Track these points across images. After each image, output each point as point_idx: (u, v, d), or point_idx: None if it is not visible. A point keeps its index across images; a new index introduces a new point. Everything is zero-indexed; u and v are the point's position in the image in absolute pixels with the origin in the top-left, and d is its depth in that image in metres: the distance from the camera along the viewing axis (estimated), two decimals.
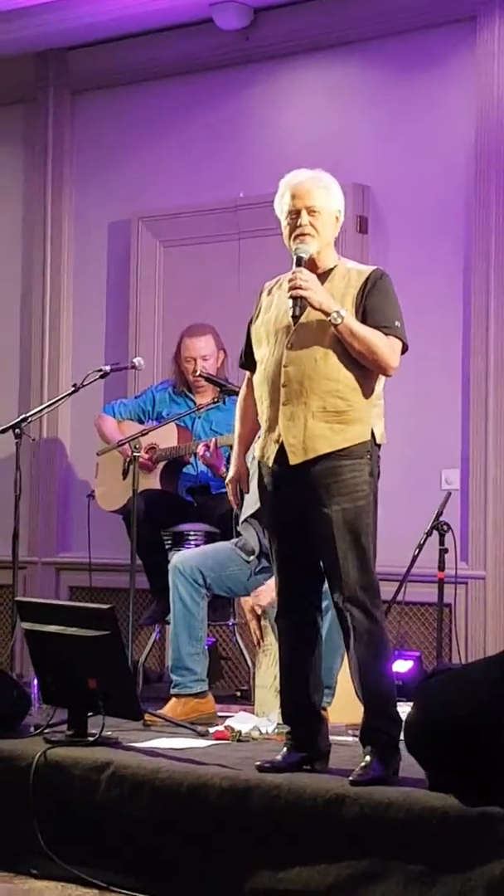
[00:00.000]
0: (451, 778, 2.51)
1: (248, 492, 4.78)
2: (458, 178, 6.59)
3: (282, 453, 4.28)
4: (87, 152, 7.78)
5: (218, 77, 7.34)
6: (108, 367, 6.11)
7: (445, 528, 5.88)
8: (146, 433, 5.79)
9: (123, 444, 5.77)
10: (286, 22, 7.06)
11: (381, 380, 4.35)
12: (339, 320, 4.20)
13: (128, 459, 5.73)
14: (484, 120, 6.49)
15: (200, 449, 6.06)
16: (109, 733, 4.67)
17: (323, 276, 4.32)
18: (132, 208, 7.48)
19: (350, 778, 4.03)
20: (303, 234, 4.30)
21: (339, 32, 6.93)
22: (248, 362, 4.52)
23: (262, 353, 4.40)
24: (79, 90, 7.82)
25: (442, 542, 5.88)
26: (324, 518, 4.22)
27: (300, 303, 4.22)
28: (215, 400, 6.10)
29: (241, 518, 5.59)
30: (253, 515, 5.53)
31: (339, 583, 4.22)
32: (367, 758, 4.12)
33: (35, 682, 5.06)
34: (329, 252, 4.39)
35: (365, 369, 4.28)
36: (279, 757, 4.30)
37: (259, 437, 4.46)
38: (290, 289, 4.23)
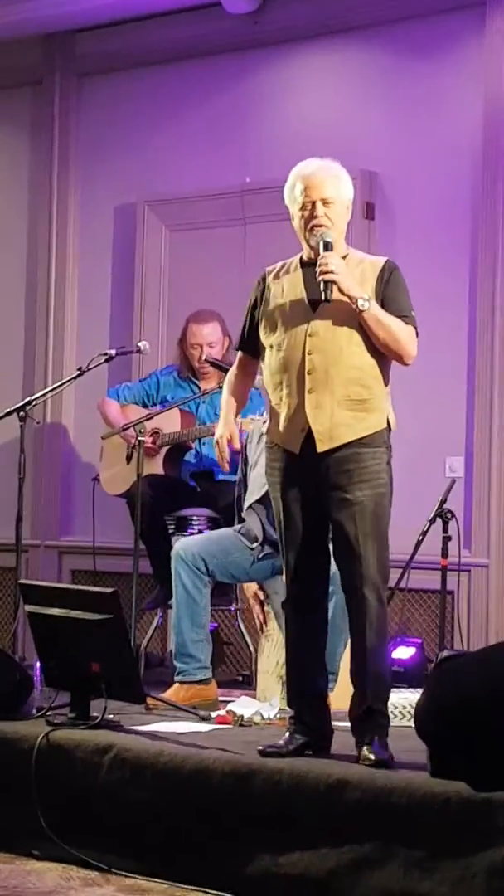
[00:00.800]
0: (460, 763, 2.52)
1: (235, 450, 4.80)
2: (466, 164, 6.58)
3: (307, 441, 4.31)
4: (93, 136, 7.77)
5: (225, 61, 7.33)
6: (113, 351, 6.11)
7: (449, 515, 5.87)
8: (150, 418, 5.79)
9: (128, 428, 5.77)
10: (295, 6, 7.04)
11: (393, 367, 4.42)
12: (365, 306, 4.25)
13: (132, 444, 5.73)
14: (492, 106, 6.47)
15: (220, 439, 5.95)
16: (111, 716, 4.68)
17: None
18: (138, 192, 7.47)
19: (364, 760, 4.10)
20: (319, 226, 4.33)
21: (348, 17, 6.91)
22: (248, 346, 4.56)
23: (276, 339, 4.40)
24: (85, 74, 7.80)
25: (445, 530, 5.87)
26: (345, 504, 4.27)
27: (331, 286, 4.25)
28: (220, 385, 6.08)
29: (245, 505, 5.59)
30: (258, 502, 5.53)
31: (356, 567, 4.26)
32: (372, 741, 4.18)
33: (38, 664, 5.06)
34: (341, 241, 4.43)
35: (384, 357, 4.34)
36: (281, 741, 4.32)
37: (265, 422, 4.48)
38: (321, 273, 4.25)
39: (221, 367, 5.97)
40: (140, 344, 6.34)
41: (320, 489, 4.31)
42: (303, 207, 4.36)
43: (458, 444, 6.49)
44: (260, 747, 4.28)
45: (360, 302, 4.24)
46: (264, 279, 4.53)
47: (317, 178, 4.36)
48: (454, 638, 6.30)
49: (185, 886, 4.03)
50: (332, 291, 4.25)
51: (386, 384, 4.37)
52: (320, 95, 7.06)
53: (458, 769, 2.73)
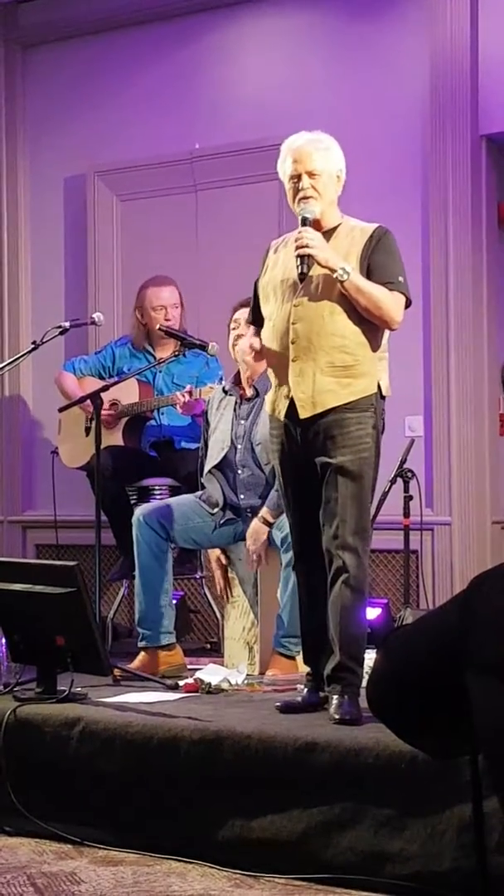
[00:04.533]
0: (412, 734, 2.55)
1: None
2: (414, 122, 6.57)
3: (292, 408, 4.42)
4: (39, 108, 7.72)
5: (170, 27, 7.28)
6: (67, 324, 6.08)
7: (410, 475, 5.90)
8: (107, 389, 5.77)
9: (84, 400, 5.76)
10: None
11: (387, 333, 4.48)
12: (344, 276, 4.32)
13: (90, 416, 5.71)
14: (438, 64, 6.47)
15: (181, 398, 6.02)
16: (79, 689, 4.67)
17: (327, 235, 4.43)
18: (87, 163, 7.43)
19: (331, 717, 4.19)
20: (306, 198, 4.42)
21: None
22: (256, 319, 4.66)
23: (269, 309, 4.51)
24: (29, 44, 7.75)
25: (406, 490, 5.90)
26: (329, 468, 4.37)
27: (307, 261, 4.34)
28: (175, 353, 6.08)
29: (206, 469, 5.59)
30: (216, 467, 5.53)
31: (336, 530, 4.34)
32: (340, 697, 4.26)
33: (3, 640, 5.05)
34: (332, 211, 4.50)
35: (370, 324, 4.40)
36: (299, 698, 4.45)
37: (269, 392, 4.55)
38: (297, 248, 4.35)
39: (175, 335, 5.95)
40: (94, 315, 6.31)
41: (308, 454, 4.41)
42: (290, 179, 4.46)
43: (416, 403, 6.51)
44: (277, 703, 4.41)
45: (339, 272, 4.31)
46: (268, 252, 4.62)
47: (304, 151, 4.44)
48: (420, 597, 6.33)
49: (158, 856, 4.04)
50: (308, 266, 4.34)
51: (375, 350, 4.41)
52: (266, 59, 7.03)
53: (411, 740, 2.77)
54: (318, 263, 4.33)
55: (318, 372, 4.36)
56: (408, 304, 4.45)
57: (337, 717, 4.19)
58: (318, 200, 4.42)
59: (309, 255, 4.32)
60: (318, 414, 4.37)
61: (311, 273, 4.36)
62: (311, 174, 4.42)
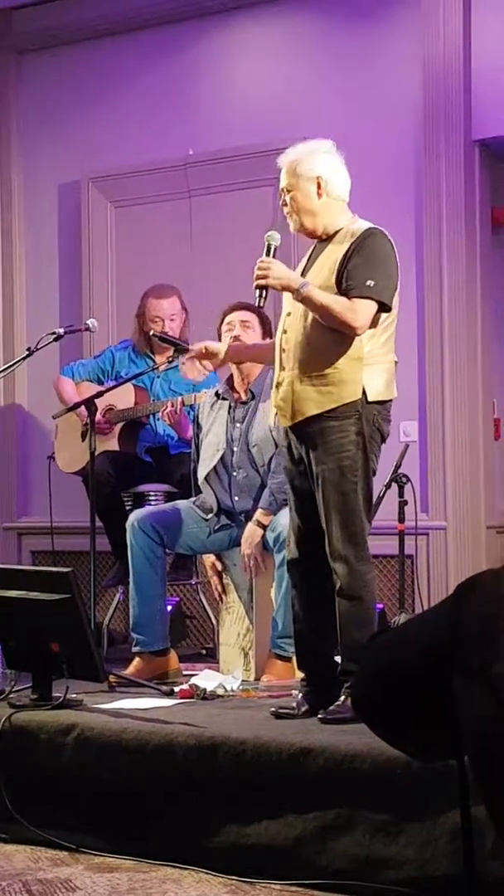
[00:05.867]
0: (397, 736, 2.54)
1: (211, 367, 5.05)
2: (408, 128, 6.58)
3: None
4: (33, 114, 7.72)
5: (164, 34, 7.29)
6: (61, 330, 6.08)
7: (404, 479, 5.89)
8: (101, 395, 5.77)
9: (79, 405, 5.76)
10: None
11: (379, 336, 4.43)
12: (299, 296, 4.38)
13: (85, 422, 5.71)
14: (431, 68, 6.48)
15: (167, 408, 6.04)
16: (75, 696, 4.67)
17: (327, 242, 4.48)
18: (81, 169, 7.43)
19: (319, 716, 4.27)
20: (288, 214, 4.53)
21: None
22: None
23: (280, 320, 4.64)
24: (24, 50, 7.75)
25: (401, 494, 5.89)
26: (314, 477, 4.42)
27: (264, 292, 4.43)
28: (169, 360, 6.08)
29: (199, 475, 5.59)
30: (212, 471, 5.53)
31: (326, 540, 4.39)
32: (341, 699, 4.31)
33: None
34: (326, 218, 4.51)
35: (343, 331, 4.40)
36: (294, 704, 4.46)
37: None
38: (255, 279, 4.42)
39: (168, 342, 5.96)
40: (88, 322, 6.31)
41: (303, 462, 4.47)
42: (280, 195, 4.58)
43: (411, 408, 6.51)
44: (273, 709, 4.43)
45: (295, 294, 4.38)
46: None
47: (280, 167, 4.54)
48: (415, 602, 6.32)
49: (154, 862, 4.04)
50: (264, 297, 4.43)
51: (355, 356, 4.37)
52: (260, 64, 7.03)
53: (396, 744, 2.77)
54: (276, 289, 4.42)
55: (297, 381, 4.41)
56: (384, 308, 4.39)
57: (321, 715, 4.27)
58: (296, 216, 4.48)
59: (265, 287, 4.39)
60: (303, 422, 4.41)
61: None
62: (287, 190, 4.50)
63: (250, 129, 6.89)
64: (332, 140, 4.60)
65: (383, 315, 4.42)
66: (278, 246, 4.45)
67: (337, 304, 4.34)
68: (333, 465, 4.36)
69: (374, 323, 4.39)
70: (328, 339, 4.37)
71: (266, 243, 4.44)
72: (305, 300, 4.35)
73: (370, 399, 4.41)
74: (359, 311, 4.35)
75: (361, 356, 4.39)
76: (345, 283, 4.36)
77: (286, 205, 4.51)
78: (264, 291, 4.41)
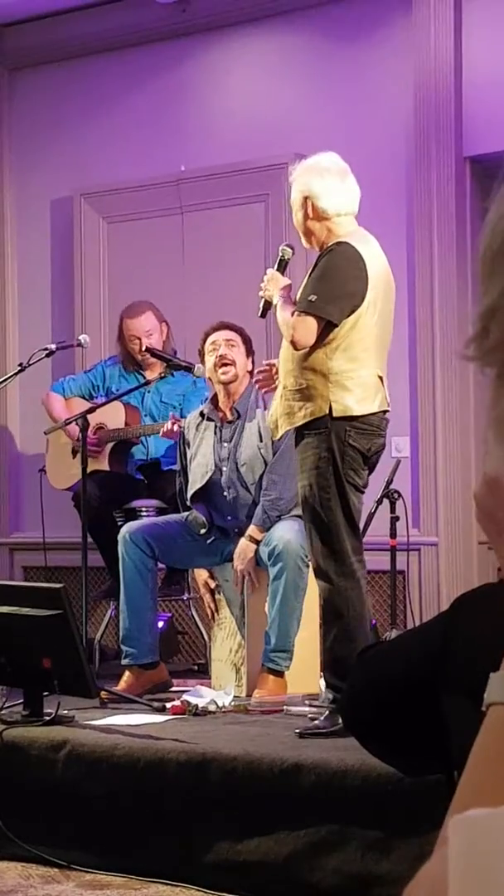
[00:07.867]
0: (386, 751, 2.54)
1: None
2: (399, 145, 6.59)
3: None
4: (26, 130, 7.73)
5: (155, 51, 7.30)
6: (53, 346, 6.08)
7: (396, 495, 5.89)
8: (92, 411, 5.76)
9: (70, 423, 5.75)
10: None
11: (343, 351, 4.40)
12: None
13: (75, 439, 5.71)
14: (421, 84, 6.49)
15: (167, 427, 5.94)
16: (66, 712, 4.66)
17: (321, 258, 4.54)
18: (74, 185, 7.44)
19: (296, 730, 4.29)
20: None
21: (274, 2, 6.90)
22: None
23: None
24: (16, 67, 7.76)
25: (393, 510, 5.89)
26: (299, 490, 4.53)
27: (263, 305, 4.64)
28: (161, 375, 6.08)
29: (189, 494, 5.57)
30: (201, 489, 5.52)
31: (309, 552, 4.51)
32: (323, 713, 4.37)
33: None
34: (318, 235, 4.56)
35: (315, 347, 4.41)
36: (319, 722, 4.38)
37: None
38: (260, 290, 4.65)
39: (161, 357, 5.96)
40: (80, 337, 6.31)
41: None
42: None
43: (402, 424, 6.50)
44: (297, 730, 4.34)
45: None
46: None
47: None
48: (407, 617, 6.32)
49: (145, 879, 4.03)
50: (263, 309, 4.63)
51: (325, 373, 4.38)
52: (251, 81, 7.05)
53: (386, 758, 2.76)
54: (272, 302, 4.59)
55: (280, 396, 4.51)
56: (326, 323, 4.38)
57: (305, 731, 4.28)
58: (303, 235, 4.58)
59: (269, 300, 4.58)
60: (284, 437, 4.62)
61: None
62: (292, 206, 4.63)
63: (242, 146, 6.91)
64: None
65: (344, 329, 4.38)
66: (289, 259, 4.55)
67: (283, 321, 4.47)
68: (307, 481, 4.41)
69: (322, 337, 4.37)
70: (297, 355, 4.45)
71: (279, 255, 4.55)
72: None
73: (336, 415, 4.37)
74: (298, 327, 4.39)
75: (326, 371, 4.39)
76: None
77: None
78: (265, 305, 4.59)
